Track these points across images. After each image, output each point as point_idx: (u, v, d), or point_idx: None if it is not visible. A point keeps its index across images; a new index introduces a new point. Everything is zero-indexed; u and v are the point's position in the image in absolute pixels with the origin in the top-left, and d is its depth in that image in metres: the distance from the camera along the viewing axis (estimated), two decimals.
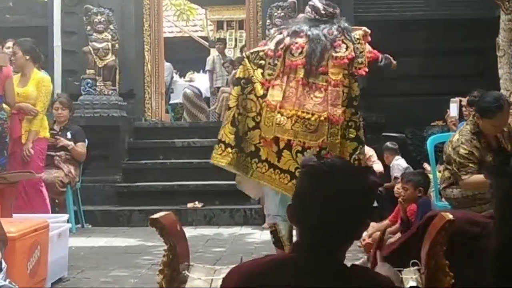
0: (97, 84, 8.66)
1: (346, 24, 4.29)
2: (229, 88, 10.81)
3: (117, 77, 8.83)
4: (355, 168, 2.47)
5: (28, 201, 6.26)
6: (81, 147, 7.43)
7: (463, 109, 6.92)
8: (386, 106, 8.42)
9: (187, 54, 15.49)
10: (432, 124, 8.41)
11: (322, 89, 4.11)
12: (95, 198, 8.11)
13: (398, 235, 5.18)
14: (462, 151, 4.53)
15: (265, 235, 5.27)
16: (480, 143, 4.54)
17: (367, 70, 4.17)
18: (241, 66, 4.32)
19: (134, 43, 9.23)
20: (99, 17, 8.62)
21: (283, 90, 4.12)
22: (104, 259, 5.75)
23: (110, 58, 8.64)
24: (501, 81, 7.28)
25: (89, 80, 8.66)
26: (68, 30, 8.95)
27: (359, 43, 4.19)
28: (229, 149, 4.20)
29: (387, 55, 4.31)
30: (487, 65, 8.06)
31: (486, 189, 4.36)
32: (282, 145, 4.10)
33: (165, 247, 2.37)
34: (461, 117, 6.97)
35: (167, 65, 11.84)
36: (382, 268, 2.22)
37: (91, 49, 8.60)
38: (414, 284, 2.26)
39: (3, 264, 2.88)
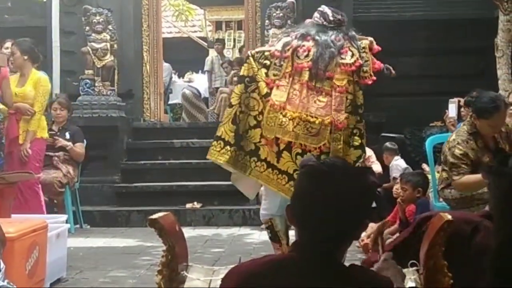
0: (96, 84, 8.66)
1: (353, 33, 4.30)
2: (228, 88, 10.83)
3: (116, 77, 8.83)
4: (354, 168, 2.48)
5: (24, 202, 6.24)
6: (79, 148, 7.43)
7: (462, 109, 6.92)
8: (385, 106, 8.42)
9: (185, 54, 15.50)
10: (431, 124, 8.42)
11: (326, 94, 4.11)
12: (93, 198, 8.11)
13: (397, 235, 5.18)
14: (457, 152, 4.54)
15: (264, 236, 5.26)
16: (477, 144, 4.55)
17: (375, 78, 4.16)
18: (245, 64, 4.30)
19: (133, 44, 9.24)
20: (97, 17, 8.62)
21: (287, 91, 4.12)
22: (103, 260, 5.74)
23: (109, 58, 8.65)
24: (499, 81, 7.30)
25: (87, 81, 8.66)
26: (67, 31, 8.95)
27: (364, 52, 4.19)
28: (228, 147, 4.21)
29: (387, 65, 4.31)
30: (487, 65, 8.07)
31: (477, 190, 4.40)
32: (282, 146, 4.10)
33: (164, 248, 2.36)
34: (459, 117, 6.98)
35: (166, 65, 11.85)
36: (383, 265, 2.22)
37: (89, 49, 8.60)
38: (413, 284, 2.26)
39: (2, 265, 2.87)
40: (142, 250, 6.20)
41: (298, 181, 1.93)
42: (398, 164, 7.44)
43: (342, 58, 4.15)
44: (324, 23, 4.30)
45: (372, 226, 4.23)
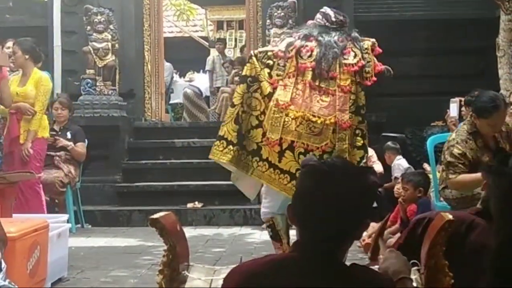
0: (97, 84, 8.67)
1: (356, 34, 4.32)
2: (229, 88, 10.83)
3: (117, 77, 8.84)
4: (355, 168, 2.47)
5: (25, 201, 6.24)
6: (81, 147, 7.43)
7: (462, 109, 6.92)
8: (386, 106, 8.42)
9: (187, 54, 15.49)
10: (432, 124, 8.41)
11: (329, 94, 4.12)
12: (95, 198, 8.11)
13: (398, 235, 5.18)
14: (455, 151, 4.54)
15: (265, 235, 5.26)
16: (477, 143, 4.55)
17: (375, 79, 4.17)
18: (248, 64, 4.30)
19: (134, 43, 9.24)
20: (99, 17, 8.62)
21: (291, 91, 4.12)
22: (104, 259, 5.75)
23: (110, 58, 8.65)
24: (501, 81, 7.29)
25: (89, 80, 8.66)
26: (68, 30, 8.95)
27: (367, 52, 4.20)
28: (230, 147, 4.21)
29: (387, 67, 4.32)
30: (487, 65, 8.07)
31: (472, 189, 4.41)
32: (285, 145, 4.10)
33: (165, 247, 2.36)
34: (461, 117, 6.97)
35: (167, 65, 11.85)
36: (390, 255, 2.21)
37: (91, 49, 8.61)
38: (414, 284, 2.26)
39: (3, 264, 2.87)
40: (143, 249, 6.21)
41: (299, 181, 1.94)
42: (400, 164, 7.44)
43: (345, 59, 4.17)
44: (327, 24, 4.31)
45: (373, 226, 4.24)
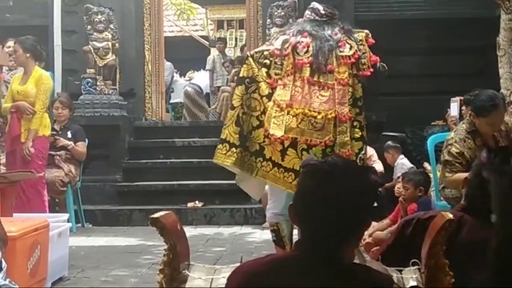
0: (98, 83, 8.66)
1: (349, 27, 4.35)
2: (229, 87, 10.83)
3: (118, 76, 8.83)
4: (356, 167, 2.47)
5: (26, 200, 6.24)
6: (81, 147, 7.44)
7: (463, 108, 6.92)
8: (386, 105, 8.42)
9: (187, 53, 15.49)
10: (433, 123, 8.41)
11: (328, 88, 4.13)
12: (95, 197, 8.11)
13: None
14: (453, 150, 4.55)
15: (266, 235, 5.28)
16: (475, 142, 4.55)
17: (372, 70, 4.19)
18: (245, 65, 4.30)
19: (135, 43, 9.23)
20: (99, 16, 8.62)
21: (290, 89, 4.13)
22: (105, 259, 5.75)
23: (111, 57, 8.64)
24: (501, 80, 7.29)
25: (89, 80, 8.66)
26: (69, 29, 8.95)
27: (361, 44, 4.24)
28: (233, 149, 4.20)
29: (382, 64, 4.33)
30: (487, 64, 8.07)
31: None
32: (287, 143, 4.10)
33: (165, 247, 2.36)
34: (461, 116, 6.98)
35: (168, 64, 11.84)
36: (371, 263, 2.22)
37: (91, 48, 8.60)
38: (414, 283, 2.26)
39: (3, 264, 2.88)
40: (143, 249, 6.21)
41: (300, 181, 1.94)
42: (404, 163, 7.43)
43: (341, 51, 4.19)
44: (316, 18, 4.35)
45: (373, 225, 4.24)
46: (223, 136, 4.26)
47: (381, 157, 7.57)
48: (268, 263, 1.84)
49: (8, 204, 5.24)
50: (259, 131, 4.18)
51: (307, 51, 4.20)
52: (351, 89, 4.16)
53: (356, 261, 2.30)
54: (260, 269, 1.82)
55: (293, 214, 1.88)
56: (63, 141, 7.30)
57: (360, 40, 4.25)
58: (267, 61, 4.23)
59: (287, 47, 4.21)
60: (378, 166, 7.13)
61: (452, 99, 7.29)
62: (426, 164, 6.98)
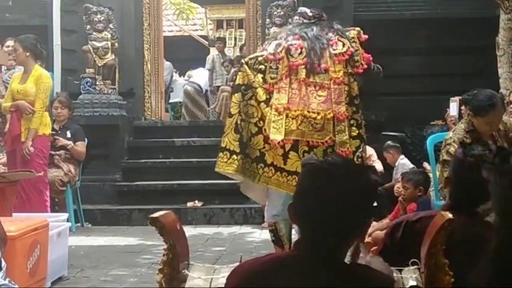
0: (97, 83, 8.66)
1: (338, 26, 4.38)
2: (229, 87, 10.82)
3: (117, 76, 8.83)
4: (356, 166, 2.47)
5: (27, 200, 6.24)
6: (80, 146, 7.44)
7: (462, 108, 6.92)
8: (386, 105, 8.42)
9: (186, 53, 15.49)
10: (432, 123, 8.42)
11: (325, 88, 4.14)
12: (94, 197, 8.11)
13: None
14: (451, 149, 4.55)
15: (265, 234, 5.27)
16: (473, 142, 4.55)
17: (365, 67, 4.20)
18: (240, 73, 4.31)
19: (134, 42, 9.24)
20: (98, 16, 8.62)
21: (287, 92, 4.13)
22: (104, 258, 5.75)
23: (110, 57, 8.65)
24: (500, 80, 7.30)
25: (88, 79, 8.66)
26: (68, 29, 8.95)
27: (354, 41, 4.25)
28: (234, 156, 4.20)
29: (377, 65, 4.35)
30: (487, 64, 8.08)
31: None
32: (288, 147, 4.11)
33: (165, 246, 2.36)
34: (461, 116, 6.98)
35: (167, 64, 11.84)
36: (372, 260, 2.22)
37: (90, 48, 8.60)
38: (414, 283, 2.26)
39: (3, 263, 2.88)
40: (143, 248, 6.21)
41: (299, 180, 1.94)
42: (405, 163, 7.42)
43: (334, 49, 4.20)
44: (305, 21, 4.40)
45: (373, 225, 4.24)
46: (223, 145, 4.25)
47: (381, 157, 7.57)
48: (268, 263, 1.84)
49: (7, 203, 5.24)
50: (258, 137, 4.18)
51: (301, 53, 4.22)
52: (347, 87, 4.17)
53: (362, 256, 2.31)
54: (260, 268, 1.82)
55: (292, 213, 1.88)
56: (62, 141, 7.30)
57: (352, 37, 4.27)
58: (262, 67, 4.24)
59: (281, 51, 4.22)
60: (378, 166, 7.13)
61: (452, 99, 7.29)
62: (425, 164, 6.98)
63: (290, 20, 8.29)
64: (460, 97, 7.05)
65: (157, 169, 8.64)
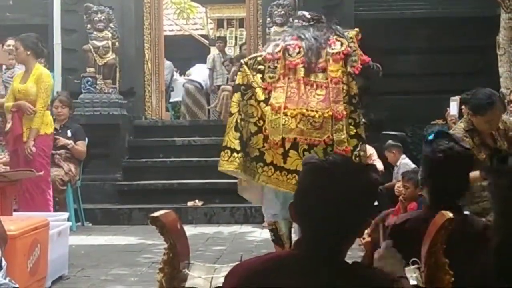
0: (97, 82, 8.67)
1: (337, 26, 4.42)
2: (229, 86, 10.82)
3: (117, 75, 8.84)
4: (356, 165, 2.48)
5: (30, 199, 6.24)
6: (81, 146, 7.44)
7: (463, 107, 6.92)
8: (386, 104, 8.42)
9: (187, 52, 15.49)
10: (433, 122, 8.41)
11: (323, 87, 4.17)
12: (95, 196, 8.11)
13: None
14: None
15: (265, 233, 5.27)
16: (474, 141, 4.55)
17: (360, 67, 4.23)
18: (239, 73, 4.35)
19: (134, 41, 9.24)
20: (99, 15, 8.62)
21: (285, 91, 4.16)
22: (104, 257, 5.75)
23: (110, 56, 8.65)
24: (501, 79, 7.29)
25: (89, 78, 8.66)
26: (68, 28, 8.95)
27: (352, 41, 4.29)
28: (235, 154, 4.23)
29: (377, 64, 4.37)
30: (487, 63, 8.07)
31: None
32: (288, 145, 4.13)
33: (165, 246, 2.36)
34: (461, 115, 6.97)
35: (168, 63, 11.83)
36: (386, 254, 2.23)
37: (91, 47, 8.61)
38: (414, 282, 2.26)
39: (3, 262, 2.87)
40: (143, 248, 6.21)
41: (300, 179, 1.94)
42: (406, 163, 7.40)
43: (332, 49, 4.23)
44: (304, 23, 4.46)
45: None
46: (224, 143, 4.29)
47: (381, 156, 7.56)
48: (268, 262, 1.84)
49: (8, 203, 5.24)
50: (258, 136, 4.21)
51: (299, 52, 4.26)
52: (345, 87, 4.19)
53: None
54: (260, 267, 1.82)
55: (293, 212, 1.88)
56: (63, 140, 7.30)
57: (351, 37, 4.31)
58: (261, 67, 4.29)
59: (279, 51, 4.27)
60: (378, 165, 7.13)
61: (452, 98, 7.28)
62: None
63: (290, 19, 8.34)
64: (460, 96, 7.05)
65: (157, 168, 8.64)
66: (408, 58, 9.19)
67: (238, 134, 4.23)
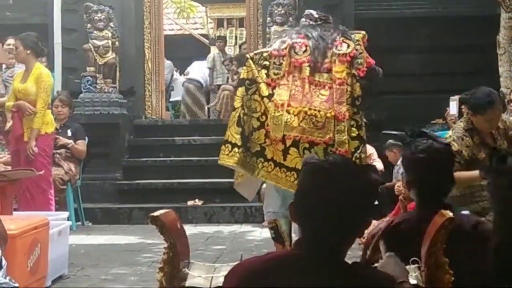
0: (98, 81, 8.67)
1: (344, 27, 4.46)
2: (230, 85, 10.82)
3: (117, 74, 8.84)
4: (356, 166, 2.48)
5: (31, 198, 6.24)
6: (81, 145, 7.44)
7: (462, 107, 6.92)
8: (386, 104, 8.41)
9: (187, 51, 15.49)
10: (433, 122, 8.41)
11: (327, 87, 4.18)
12: (95, 195, 8.11)
13: None
14: (451, 148, 4.54)
15: (265, 233, 5.28)
16: (473, 140, 4.55)
17: (365, 70, 4.24)
18: (245, 67, 4.36)
19: (134, 41, 9.24)
20: (99, 14, 8.62)
21: (289, 89, 4.17)
22: (104, 257, 5.75)
23: (111, 55, 8.65)
24: (501, 79, 7.29)
25: (89, 78, 8.66)
26: (69, 28, 8.95)
27: (358, 44, 4.30)
28: (236, 149, 4.25)
29: (379, 67, 4.39)
30: (488, 63, 8.06)
31: (465, 185, 4.44)
32: (289, 143, 4.15)
33: (165, 245, 2.36)
34: (461, 115, 6.97)
35: (168, 63, 11.83)
36: (388, 261, 2.23)
37: (91, 46, 8.61)
38: (414, 281, 2.26)
39: (3, 262, 2.87)
40: (143, 247, 6.21)
41: (300, 179, 1.94)
42: None
43: (338, 50, 4.24)
44: (311, 22, 4.45)
45: (374, 224, 4.24)
46: (225, 137, 4.31)
47: (381, 156, 7.56)
48: (269, 261, 1.84)
49: (8, 202, 5.24)
50: (260, 132, 4.22)
51: (305, 51, 4.27)
52: (349, 88, 4.20)
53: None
54: (260, 267, 1.81)
55: (294, 212, 1.88)
56: (63, 140, 7.30)
57: (357, 40, 4.32)
58: (267, 63, 4.29)
59: (285, 47, 4.26)
60: (378, 165, 7.13)
61: (452, 97, 7.29)
62: None
63: (290, 18, 8.35)
64: (459, 96, 7.05)
65: (157, 167, 8.64)
66: (409, 57, 9.19)
67: (240, 129, 4.25)
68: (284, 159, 4.16)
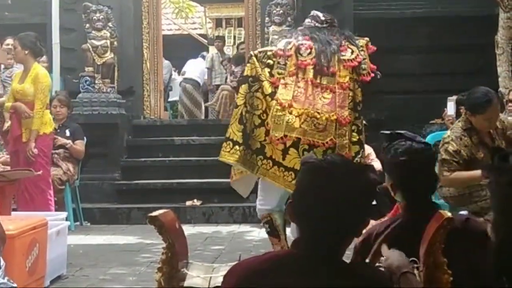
0: (96, 81, 8.66)
1: (350, 33, 4.48)
2: (228, 86, 10.82)
3: (116, 74, 8.83)
4: (355, 165, 2.48)
5: (30, 199, 6.23)
6: (79, 145, 7.43)
7: (460, 107, 6.92)
8: (386, 103, 8.42)
9: (185, 51, 15.47)
10: (431, 122, 8.42)
11: (330, 91, 4.20)
12: (93, 195, 8.11)
13: None
14: (450, 148, 4.55)
15: (264, 233, 5.27)
16: (472, 140, 4.56)
17: (373, 75, 4.26)
18: (248, 64, 4.38)
19: (133, 41, 9.23)
20: (98, 14, 8.61)
21: (292, 90, 4.18)
22: (103, 257, 5.75)
23: (109, 55, 8.64)
24: (500, 78, 7.30)
25: (87, 78, 8.66)
26: (67, 28, 8.94)
27: (362, 50, 4.33)
28: (236, 147, 4.27)
29: (378, 72, 4.41)
30: (487, 63, 8.06)
31: (464, 186, 4.44)
32: (289, 143, 4.17)
33: (164, 245, 2.36)
34: (459, 115, 6.97)
35: (166, 62, 11.83)
36: (393, 253, 2.23)
37: (89, 46, 8.60)
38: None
39: (2, 262, 2.87)
40: (142, 247, 6.21)
41: (299, 179, 1.94)
42: None
43: (343, 55, 4.25)
44: (317, 24, 4.45)
45: (372, 223, 4.24)
46: (227, 135, 4.34)
47: (379, 156, 7.56)
48: (267, 261, 1.84)
49: (6, 202, 5.24)
50: (261, 129, 4.25)
51: (310, 53, 4.29)
52: (351, 93, 4.24)
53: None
54: (259, 267, 1.81)
55: (292, 212, 1.88)
56: (61, 140, 7.29)
57: (361, 46, 4.34)
58: (270, 61, 4.30)
59: (291, 48, 4.27)
60: (377, 165, 7.09)
61: (449, 98, 7.29)
62: None
63: (289, 18, 8.35)
64: (457, 96, 7.06)
65: (156, 167, 8.63)
66: (408, 57, 9.19)
67: (241, 127, 4.27)
68: (283, 159, 4.18)
